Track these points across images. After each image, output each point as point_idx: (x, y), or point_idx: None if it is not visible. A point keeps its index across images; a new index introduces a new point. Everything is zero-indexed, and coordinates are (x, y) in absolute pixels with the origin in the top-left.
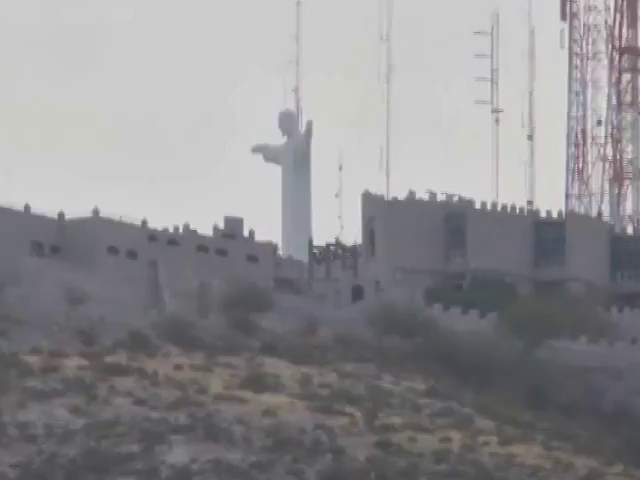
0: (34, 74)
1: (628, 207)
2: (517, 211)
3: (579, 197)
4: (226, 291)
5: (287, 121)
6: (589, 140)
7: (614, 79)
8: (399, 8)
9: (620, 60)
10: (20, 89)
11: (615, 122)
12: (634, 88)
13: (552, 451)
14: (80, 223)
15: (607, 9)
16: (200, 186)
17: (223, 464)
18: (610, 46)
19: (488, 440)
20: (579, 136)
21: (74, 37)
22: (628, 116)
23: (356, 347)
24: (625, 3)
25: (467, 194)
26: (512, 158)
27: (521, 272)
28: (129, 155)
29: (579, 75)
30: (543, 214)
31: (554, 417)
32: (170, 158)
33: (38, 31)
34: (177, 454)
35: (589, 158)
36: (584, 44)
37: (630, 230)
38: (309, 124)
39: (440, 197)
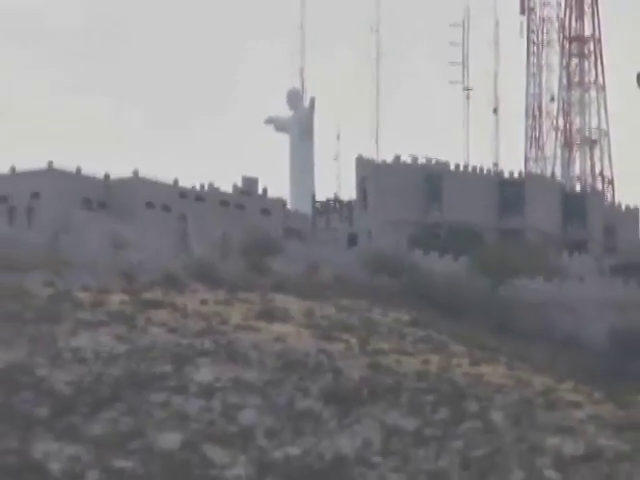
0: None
1: (576, 169)
2: (485, 172)
3: (536, 160)
4: (243, 239)
5: (294, 98)
6: (544, 113)
7: (564, 63)
8: (387, 3)
9: (569, 47)
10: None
11: (565, 98)
12: (581, 70)
13: (514, 371)
14: (122, 182)
15: (559, 4)
16: (222, 151)
17: (241, 382)
18: (561, 35)
19: (460, 362)
20: (536, 110)
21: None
22: (576, 93)
23: (351, 285)
24: None
25: (443, 158)
26: (480, 128)
27: (488, 223)
28: (161, 125)
29: (535, 60)
30: (506, 174)
31: (515, 343)
32: (197, 129)
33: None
34: (203, 373)
35: (544, 128)
36: (539, 34)
37: (578, 188)
38: (312, 100)
39: (421, 160)
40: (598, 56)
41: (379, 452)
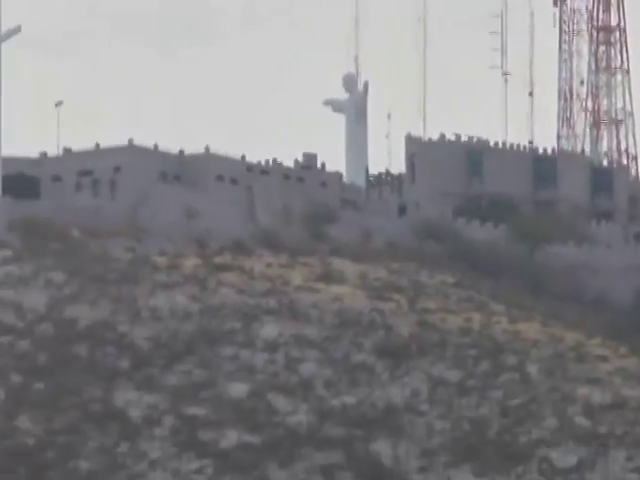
0: None
1: (604, 146)
2: (521, 149)
3: (567, 138)
4: (304, 209)
5: (349, 81)
6: (574, 96)
7: (593, 50)
8: None
9: (597, 36)
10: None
11: (594, 82)
12: (608, 57)
13: (547, 328)
14: (195, 157)
15: None
16: (285, 129)
17: (302, 337)
18: (590, 25)
19: (500, 320)
20: (567, 93)
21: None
22: (604, 78)
23: (401, 251)
24: None
25: (484, 136)
26: (517, 109)
27: (524, 195)
28: (231, 104)
29: (567, 47)
30: (540, 151)
31: (549, 303)
32: (263, 108)
33: None
34: (268, 330)
35: (574, 109)
36: (570, 24)
37: (605, 163)
38: (366, 84)
39: (463, 138)
40: (623, 44)
41: (426, 401)
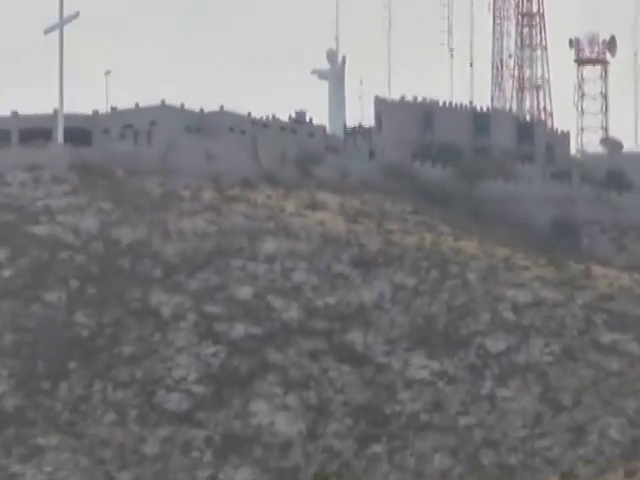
0: None
1: (527, 105)
2: (464, 107)
3: (499, 99)
4: (296, 154)
5: (331, 56)
6: (504, 66)
7: (518, 31)
8: None
9: (522, 20)
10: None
11: (519, 56)
12: (530, 36)
13: (483, 245)
14: (212, 114)
15: None
16: (282, 92)
17: (294, 252)
18: (516, 11)
19: (446, 239)
20: (499, 64)
21: None
22: (527, 52)
23: (371, 186)
24: None
25: (435, 97)
26: (461, 76)
27: (465, 143)
28: (243, 68)
29: (499, 29)
30: (478, 109)
31: (485, 226)
32: (268, 76)
33: None
34: (268, 246)
35: (505, 76)
36: (501, 10)
37: (528, 118)
38: (344, 57)
39: (419, 99)
40: (542, 26)
41: (390, 301)
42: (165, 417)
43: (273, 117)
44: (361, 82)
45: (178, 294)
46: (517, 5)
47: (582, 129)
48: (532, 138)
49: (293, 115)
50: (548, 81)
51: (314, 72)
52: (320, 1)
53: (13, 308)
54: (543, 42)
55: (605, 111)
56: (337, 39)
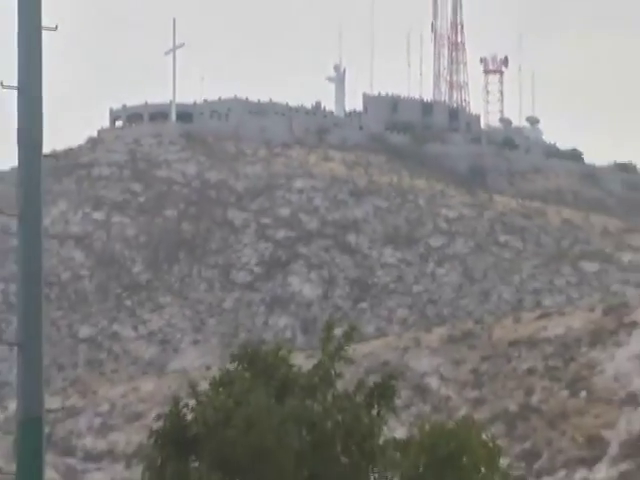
0: None
1: (454, 98)
2: (413, 98)
3: (438, 94)
4: (316, 129)
5: (337, 68)
6: (441, 74)
7: (450, 52)
8: None
9: (452, 46)
10: None
11: (450, 68)
12: (456, 56)
13: (431, 182)
14: (265, 103)
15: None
16: (305, 89)
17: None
18: (448, 41)
19: (405, 178)
20: (437, 73)
21: None
22: (454, 66)
23: (361, 147)
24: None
25: (398, 92)
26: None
27: (417, 121)
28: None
29: (438, 51)
30: (426, 100)
31: (430, 170)
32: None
33: None
34: None
35: (441, 80)
36: (439, 40)
37: (455, 106)
38: (344, 69)
39: (390, 94)
40: (463, 50)
41: (372, 217)
42: (236, 286)
43: (301, 105)
44: (354, 83)
45: (245, 212)
46: (448, 37)
47: (488, 112)
48: (457, 118)
49: (314, 104)
50: (467, 84)
51: (327, 78)
52: (326, 26)
53: (145, 220)
54: (464, 59)
55: (501, 101)
56: (340, 58)
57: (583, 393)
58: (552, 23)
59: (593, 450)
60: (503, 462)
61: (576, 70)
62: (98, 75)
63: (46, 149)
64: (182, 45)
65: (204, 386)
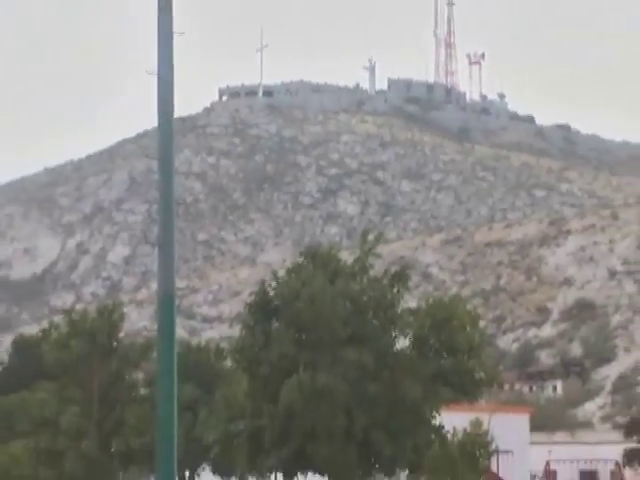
0: None
1: (448, 81)
2: (421, 82)
3: (437, 78)
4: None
5: (370, 61)
6: (440, 65)
7: (446, 50)
8: None
9: (447, 45)
10: None
11: (446, 62)
12: (450, 52)
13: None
14: (320, 85)
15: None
16: (345, 81)
17: None
18: (445, 42)
19: (417, 132)
20: (438, 64)
21: None
22: (449, 60)
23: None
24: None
25: (413, 77)
26: (424, 67)
27: (423, 96)
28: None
29: (436, 48)
30: (430, 82)
31: None
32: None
33: None
34: None
35: (440, 70)
36: (439, 42)
37: (449, 87)
38: (374, 63)
39: (405, 79)
40: (454, 48)
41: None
42: (303, 206)
43: (346, 85)
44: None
45: (308, 157)
46: (445, 40)
47: (471, 91)
48: (450, 94)
49: (354, 84)
50: (456, 71)
51: (363, 67)
52: (363, 27)
53: (242, 162)
54: (455, 55)
55: (480, 83)
56: (371, 54)
57: (534, 278)
58: (521, 32)
59: (541, 316)
60: (481, 324)
61: (531, 58)
62: (208, 62)
63: (175, 115)
64: (266, 46)
65: (281, 273)
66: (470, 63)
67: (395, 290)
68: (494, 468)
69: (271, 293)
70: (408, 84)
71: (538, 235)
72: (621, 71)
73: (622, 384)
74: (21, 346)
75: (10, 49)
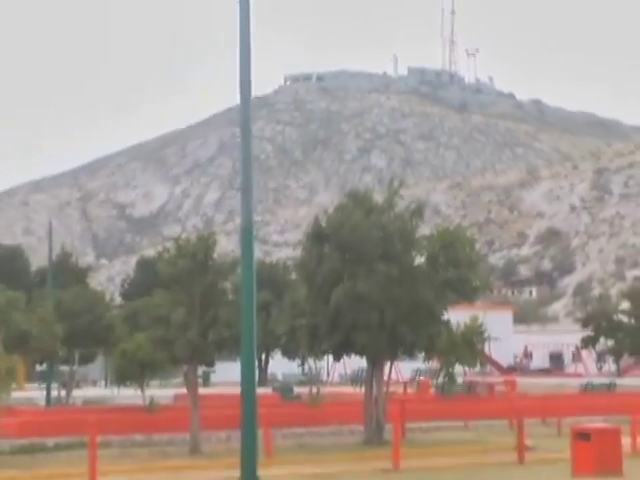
0: None
1: (453, 70)
2: (433, 70)
3: (445, 67)
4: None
5: (394, 56)
6: (447, 57)
7: (451, 45)
8: None
9: (450, 42)
10: None
11: (451, 55)
12: (453, 48)
13: None
14: (358, 73)
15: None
16: (371, 70)
17: None
18: (449, 39)
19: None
20: (445, 57)
21: None
22: (453, 53)
23: None
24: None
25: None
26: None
27: (435, 80)
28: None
29: (442, 42)
30: (439, 69)
31: None
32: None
33: None
34: None
35: (446, 61)
36: (445, 39)
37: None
38: (397, 57)
39: (423, 68)
40: (456, 44)
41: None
42: (345, 162)
43: (376, 72)
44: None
45: (349, 124)
46: (449, 38)
47: (469, 76)
48: (453, 79)
49: (383, 72)
50: (458, 62)
51: (390, 60)
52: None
53: (301, 129)
54: (456, 49)
55: (475, 70)
56: (395, 52)
57: (515, 212)
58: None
59: (520, 240)
60: (477, 246)
61: (513, 52)
62: (277, 54)
63: (252, 94)
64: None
65: (330, 211)
66: (468, 55)
67: (413, 222)
68: (487, 351)
69: (323, 225)
70: (422, 71)
71: (518, 181)
72: (580, 54)
73: (580, 289)
74: (142, 264)
75: (134, 33)
